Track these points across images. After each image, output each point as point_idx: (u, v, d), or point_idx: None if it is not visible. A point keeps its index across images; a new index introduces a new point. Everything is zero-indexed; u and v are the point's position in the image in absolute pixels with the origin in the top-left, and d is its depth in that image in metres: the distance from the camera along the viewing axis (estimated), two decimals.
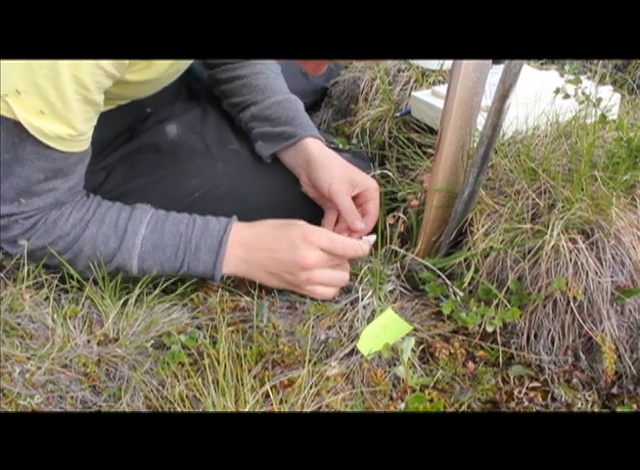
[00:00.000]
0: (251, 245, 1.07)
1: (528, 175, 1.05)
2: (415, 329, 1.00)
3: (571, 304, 0.95)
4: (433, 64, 1.57)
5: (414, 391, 0.92)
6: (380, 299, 1.04)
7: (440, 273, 1.06)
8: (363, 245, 1.09)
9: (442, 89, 1.30)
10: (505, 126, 1.12)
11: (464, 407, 0.91)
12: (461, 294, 1.04)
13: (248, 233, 1.08)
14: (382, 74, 1.59)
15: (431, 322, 1.03)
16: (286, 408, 0.85)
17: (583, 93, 1.10)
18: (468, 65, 0.98)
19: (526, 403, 0.91)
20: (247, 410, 0.84)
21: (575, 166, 1.01)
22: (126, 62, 0.93)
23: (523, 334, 0.98)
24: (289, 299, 1.09)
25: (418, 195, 1.20)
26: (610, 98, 1.25)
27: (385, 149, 1.49)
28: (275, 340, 0.98)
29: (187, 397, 0.87)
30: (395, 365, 0.95)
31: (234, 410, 0.84)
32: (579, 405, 0.91)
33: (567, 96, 1.14)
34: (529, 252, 0.99)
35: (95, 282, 1.05)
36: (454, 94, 1.00)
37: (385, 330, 0.98)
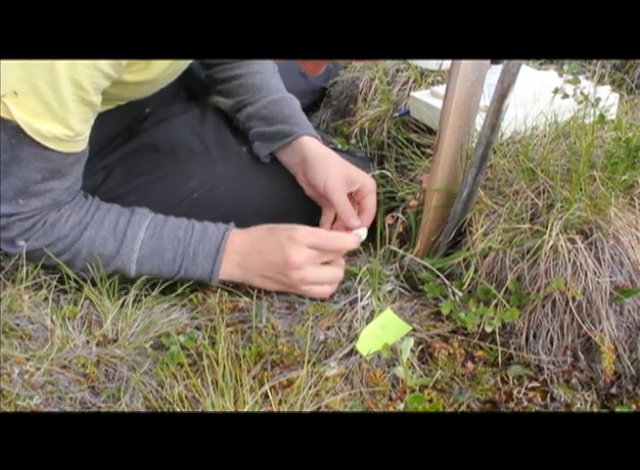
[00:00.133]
0: (245, 250, 1.08)
1: (527, 175, 1.05)
2: (414, 329, 1.00)
3: (570, 304, 0.95)
4: (431, 64, 1.57)
5: (413, 391, 0.92)
6: (379, 299, 1.04)
7: (439, 273, 1.06)
8: (352, 237, 1.09)
9: (441, 89, 1.30)
10: (504, 126, 1.12)
11: (463, 408, 0.91)
12: (460, 294, 1.04)
13: (242, 238, 1.09)
14: (380, 75, 1.59)
15: (430, 322, 1.03)
16: (285, 409, 0.85)
17: (582, 93, 1.10)
18: (466, 65, 0.98)
19: (526, 403, 0.91)
20: (246, 411, 0.84)
21: (574, 166, 1.01)
22: (124, 63, 0.93)
23: (522, 334, 0.98)
24: (288, 299, 1.09)
25: (417, 195, 1.20)
26: (608, 98, 1.26)
27: (383, 149, 1.49)
28: (274, 340, 0.98)
29: (186, 397, 0.87)
30: (394, 365, 0.95)
31: (233, 411, 0.84)
32: (578, 405, 0.91)
33: (565, 96, 1.14)
34: (528, 252, 0.99)
35: (94, 283, 1.05)
36: (453, 94, 1.00)
37: (384, 330, 0.98)
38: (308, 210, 1.22)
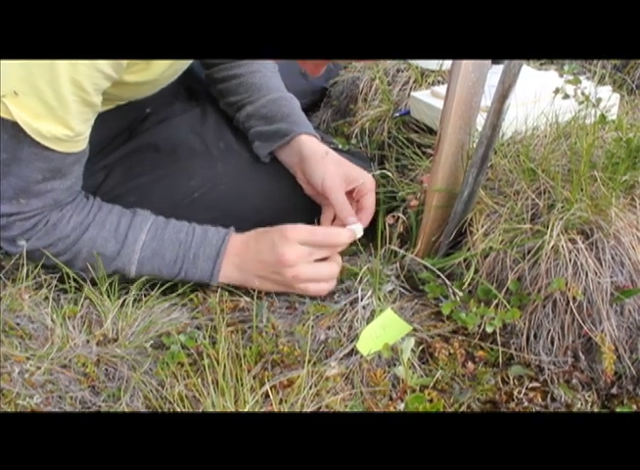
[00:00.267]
0: (242, 252, 1.09)
1: (528, 176, 1.05)
2: (414, 329, 1.00)
3: (571, 304, 0.95)
4: (432, 64, 1.57)
5: (414, 391, 0.92)
6: (379, 299, 1.04)
7: (440, 273, 1.06)
8: (345, 232, 1.09)
9: (442, 89, 1.30)
10: (504, 127, 1.12)
11: (463, 408, 0.91)
12: (460, 294, 1.04)
13: (239, 241, 1.10)
14: (381, 75, 1.59)
15: (430, 322, 1.03)
16: (285, 409, 0.85)
17: (583, 93, 1.10)
18: (467, 65, 0.98)
19: (526, 404, 0.91)
20: (246, 410, 0.84)
21: (575, 167, 1.01)
22: (124, 63, 0.93)
23: (522, 334, 0.98)
24: (288, 299, 1.09)
25: (417, 195, 1.20)
26: (609, 98, 1.25)
27: (384, 149, 1.49)
28: (274, 340, 0.98)
29: (186, 397, 0.87)
30: (395, 365, 0.95)
31: (233, 410, 0.84)
32: (579, 406, 0.90)
33: (566, 96, 1.14)
34: (529, 252, 0.99)
35: (94, 283, 1.05)
36: (454, 94, 1.00)
37: (384, 330, 0.98)
38: (309, 209, 1.22)
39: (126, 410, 0.87)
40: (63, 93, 0.89)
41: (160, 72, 1.03)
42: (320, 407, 0.87)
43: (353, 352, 0.96)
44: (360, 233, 1.11)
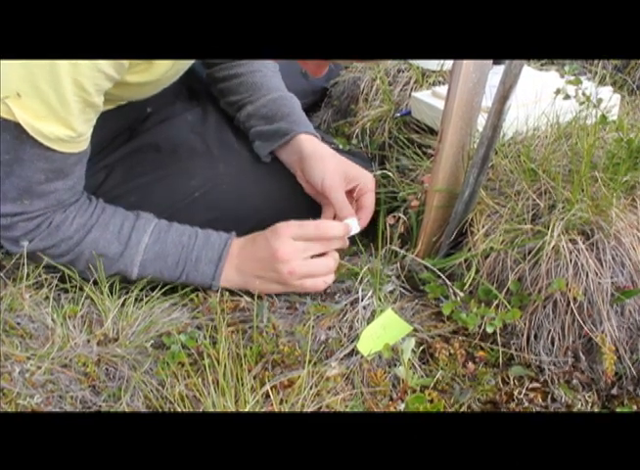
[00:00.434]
0: (240, 254, 1.09)
1: (529, 176, 1.05)
2: (415, 329, 1.00)
3: (572, 304, 0.95)
4: (433, 64, 1.57)
5: (414, 391, 0.92)
6: (380, 299, 1.04)
7: (440, 274, 1.06)
8: (338, 225, 1.09)
9: (443, 90, 1.30)
10: (505, 127, 1.12)
11: (464, 408, 0.91)
12: (461, 294, 1.04)
13: (239, 244, 1.10)
14: (382, 75, 1.59)
15: (431, 323, 1.03)
16: (286, 409, 0.85)
17: (583, 94, 1.10)
18: (468, 65, 0.98)
19: (526, 404, 0.91)
20: (247, 410, 0.84)
21: (576, 167, 1.01)
22: (126, 64, 0.93)
23: (523, 335, 0.98)
24: (289, 299, 1.09)
25: (418, 195, 1.20)
26: (610, 99, 1.25)
27: (385, 149, 1.49)
28: (275, 340, 0.98)
29: (187, 397, 0.87)
30: (395, 366, 0.95)
31: (234, 410, 0.84)
32: (579, 406, 0.90)
33: (567, 97, 1.14)
34: (530, 252, 0.99)
35: (95, 282, 1.05)
36: (454, 95, 1.00)
37: (385, 330, 0.98)
38: (309, 209, 1.22)
39: (127, 410, 0.87)
40: (64, 94, 0.89)
41: (161, 73, 1.03)
42: (320, 407, 0.87)
43: (354, 352, 0.97)
44: (356, 228, 1.11)
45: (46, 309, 0.98)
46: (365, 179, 1.19)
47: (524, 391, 0.93)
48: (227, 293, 1.09)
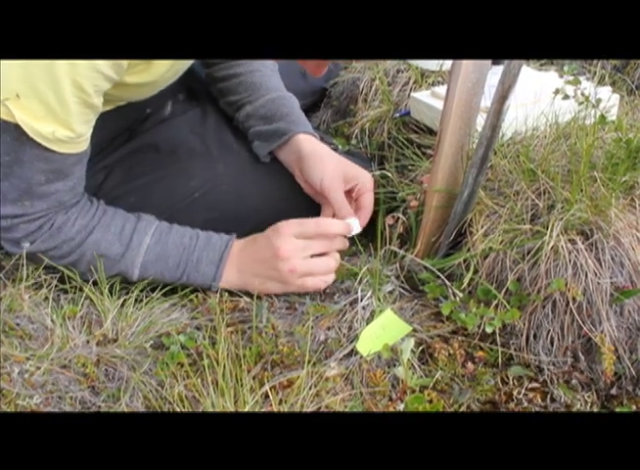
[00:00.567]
0: (241, 255, 1.10)
1: (528, 176, 1.05)
2: (414, 330, 1.00)
3: (571, 304, 0.95)
4: (432, 64, 1.57)
5: (413, 391, 0.92)
6: (379, 299, 1.03)
7: (440, 274, 1.06)
8: (339, 223, 1.09)
9: (442, 90, 1.30)
10: (504, 127, 1.12)
11: (463, 408, 0.91)
12: (460, 295, 1.04)
13: (240, 246, 1.11)
14: (381, 75, 1.59)
15: (430, 323, 1.03)
16: (285, 409, 0.85)
17: (582, 94, 1.10)
18: (467, 66, 0.98)
19: (526, 404, 0.91)
20: (246, 411, 0.84)
21: (575, 167, 1.01)
22: (125, 65, 0.93)
23: (522, 335, 0.98)
24: (288, 299, 1.09)
25: (417, 196, 1.20)
26: (609, 99, 1.25)
27: (384, 150, 1.49)
28: (274, 340, 0.98)
29: (186, 397, 0.87)
30: (395, 366, 0.95)
31: (233, 411, 0.84)
32: (578, 406, 0.90)
33: (566, 97, 1.14)
34: (529, 252, 0.99)
35: (94, 283, 1.05)
36: (453, 95, 1.00)
37: (384, 331, 0.98)
38: (309, 209, 1.22)
39: (126, 411, 0.87)
40: (63, 95, 0.89)
41: (160, 73, 1.03)
42: (320, 408, 0.87)
43: (353, 352, 0.96)
44: (357, 229, 1.11)
45: (45, 310, 0.98)
46: (364, 179, 1.19)
47: (523, 391, 0.93)
48: (226, 293, 1.09)
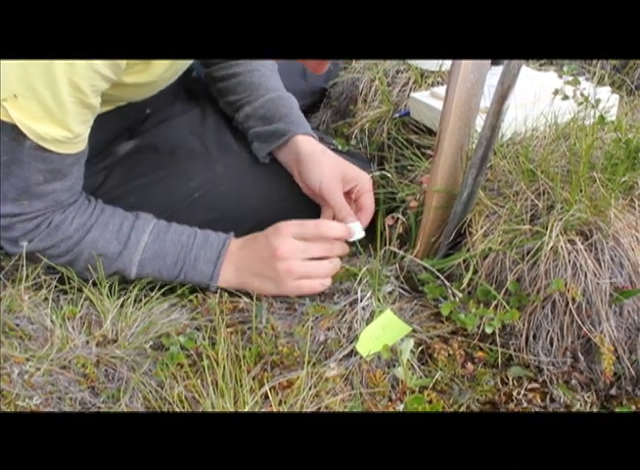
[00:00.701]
0: (239, 253, 1.10)
1: (527, 177, 1.05)
2: (414, 330, 1.00)
3: (570, 305, 0.95)
4: (431, 65, 1.57)
5: (413, 392, 0.92)
6: (379, 300, 1.03)
7: (439, 274, 1.06)
8: (339, 226, 1.09)
9: (441, 90, 1.30)
10: (504, 128, 1.12)
11: (463, 409, 0.91)
12: (460, 295, 1.04)
13: (238, 244, 1.11)
14: (381, 76, 1.59)
15: (430, 323, 1.03)
16: (285, 410, 0.85)
17: (582, 94, 1.10)
18: (467, 66, 0.98)
19: (525, 404, 0.91)
20: (246, 411, 0.84)
21: (574, 168, 1.01)
22: (123, 65, 0.93)
23: (521, 335, 0.98)
24: (287, 300, 1.09)
25: (417, 196, 1.20)
26: (608, 99, 1.26)
27: (384, 150, 1.49)
28: (274, 341, 0.98)
29: (186, 398, 0.87)
30: (394, 366, 0.95)
31: (233, 411, 0.84)
32: (578, 406, 0.90)
33: (565, 97, 1.14)
34: (528, 253, 0.99)
35: (94, 283, 1.05)
36: (453, 95, 1.00)
37: (384, 331, 0.98)
38: (308, 210, 1.22)
39: (126, 411, 0.87)
40: (60, 95, 0.89)
41: (159, 74, 1.03)
42: (320, 408, 0.87)
43: (353, 352, 0.96)
44: (360, 233, 1.11)
45: (45, 311, 0.98)
46: (363, 180, 1.19)
47: (522, 391, 0.93)
48: (226, 294, 1.09)
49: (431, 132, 1.39)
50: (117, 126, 1.24)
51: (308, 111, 1.73)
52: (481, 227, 1.05)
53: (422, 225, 1.11)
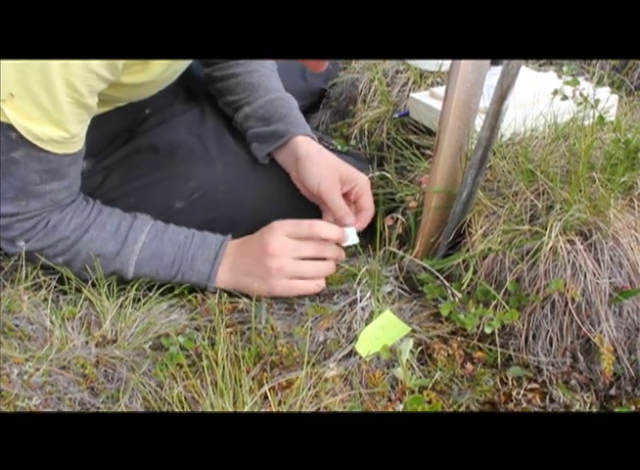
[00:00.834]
0: (235, 253, 1.10)
1: (527, 177, 1.05)
2: (413, 330, 1.00)
3: (570, 305, 0.95)
4: (431, 65, 1.57)
5: (412, 392, 0.92)
6: (378, 300, 1.03)
7: (439, 275, 1.06)
8: (333, 227, 1.09)
9: (441, 91, 1.30)
10: (503, 128, 1.12)
11: (462, 409, 0.91)
12: (459, 295, 1.04)
13: (234, 244, 1.11)
14: (380, 76, 1.59)
15: (429, 323, 1.03)
16: (284, 410, 0.85)
17: (581, 94, 1.10)
18: (466, 66, 0.98)
19: (525, 405, 0.91)
20: (245, 411, 0.84)
21: (573, 168, 1.01)
22: (120, 65, 0.93)
23: (521, 335, 0.98)
24: (287, 300, 1.09)
25: (416, 196, 1.20)
26: (608, 99, 1.26)
27: (383, 150, 1.49)
28: (273, 341, 0.98)
29: (185, 398, 0.87)
30: (394, 367, 0.95)
31: (232, 411, 0.84)
32: (578, 407, 0.90)
33: (565, 97, 1.14)
34: (528, 253, 0.99)
35: (93, 283, 1.05)
36: (452, 96, 1.00)
37: (383, 331, 0.98)
38: (308, 211, 1.22)
39: (125, 412, 0.87)
40: (56, 95, 0.89)
41: (157, 74, 1.03)
42: (319, 409, 0.87)
43: (352, 353, 0.96)
44: (354, 239, 1.11)
45: (44, 311, 0.98)
46: (361, 181, 1.19)
47: (522, 391, 0.93)
48: (225, 294, 1.09)
49: (430, 132, 1.39)
50: (117, 127, 1.24)
51: (308, 111, 1.73)
52: (481, 227, 1.05)
53: (421, 225, 1.11)
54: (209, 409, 0.84)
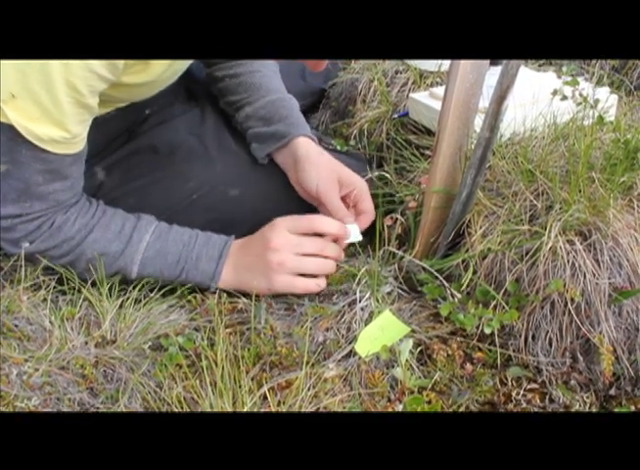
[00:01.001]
0: (238, 252, 1.10)
1: (526, 177, 1.05)
2: (413, 331, 1.00)
3: (569, 305, 0.95)
4: (430, 65, 1.57)
5: (412, 392, 0.92)
6: (378, 300, 1.03)
7: (438, 275, 1.06)
8: (333, 222, 1.10)
9: (440, 91, 1.30)
10: (502, 128, 1.12)
11: (462, 409, 0.91)
12: (459, 295, 1.04)
13: (237, 244, 1.11)
14: (380, 76, 1.59)
15: (428, 324, 1.03)
16: (284, 410, 0.85)
17: (581, 95, 1.10)
18: (465, 66, 0.98)
19: (524, 405, 0.91)
20: (244, 411, 0.83)
21: (573, 168, 1.01)
22: (120, 65, 0.93)
23: (520, 335, 0.98)
24: (286, 301, 1.09)
25: (416, 196, 1.20)
26: (607, 99, 1.26)
27: (382, 150, 1.49)
28: (273, 342, 0.98)
29: (185, 398, 0.87)
30: (393, 367, 0.95)
31: (231, 411, 0.84)
32: (577, 407, 0.90)
33: (564, 98, 1.14)
34: (527, 253, 0.99)
35: (93, 284, 1.05)
36: (452, 96, 1.00)
37: (382, 332, 0.98)
38: (307, 211, 1.22)
39: (124, 412, 0.87)
40: (57, 95, 0.89)
41: (158, 74, 1.03)
42: (318, 409, 0.87)
43: (352, 353, 0.96)
44: (357, 237, 1.11)
45: (44, 311, 0.98)
46: (360, 185, 1.19)
47: (521, 391, 0.93)
48: (225, 294, 1.09)
49: (429, 133, 1.39)
50: (117, 128, 1.24)
51: (307, 111, 1.73)
52: (480, 227, 1.05)
53: (421, 226, 1.11)
54: (209, 410, 0.84)
